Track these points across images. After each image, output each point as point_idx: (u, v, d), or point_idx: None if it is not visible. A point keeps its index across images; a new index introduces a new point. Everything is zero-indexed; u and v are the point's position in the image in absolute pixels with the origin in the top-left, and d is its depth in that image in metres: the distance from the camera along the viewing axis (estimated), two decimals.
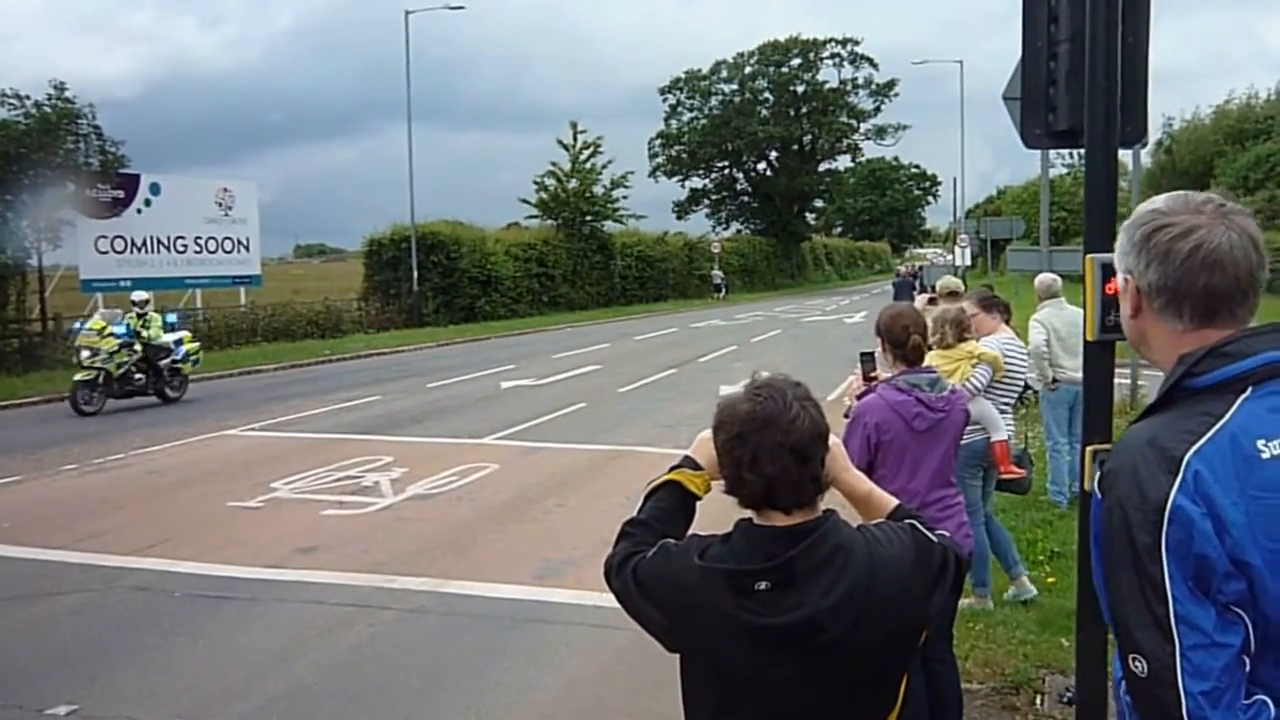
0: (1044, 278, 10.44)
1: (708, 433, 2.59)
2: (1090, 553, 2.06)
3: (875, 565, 2.29)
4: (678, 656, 2.43)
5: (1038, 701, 5.80)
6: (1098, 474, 1.98)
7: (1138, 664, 1.85)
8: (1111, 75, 3.76)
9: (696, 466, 2.62)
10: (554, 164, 53.12)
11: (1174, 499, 1.80)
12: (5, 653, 7.21)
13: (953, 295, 9.56)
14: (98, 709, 6.13)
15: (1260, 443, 1.84)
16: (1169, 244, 1.97)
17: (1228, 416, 1.86)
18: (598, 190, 53.45)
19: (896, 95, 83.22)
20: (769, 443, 2.25)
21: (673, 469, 2.65)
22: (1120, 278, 2.11)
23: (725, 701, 2.34)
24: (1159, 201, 2.07)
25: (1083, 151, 3.91)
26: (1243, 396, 1.88)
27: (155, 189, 32.29)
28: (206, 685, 6.51)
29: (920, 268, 65.72)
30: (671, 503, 2.59)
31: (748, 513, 2.40)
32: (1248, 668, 1.83)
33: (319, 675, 6.66)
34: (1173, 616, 1.80)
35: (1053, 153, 15.41)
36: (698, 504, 2.64)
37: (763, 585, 2.23)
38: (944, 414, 4.98)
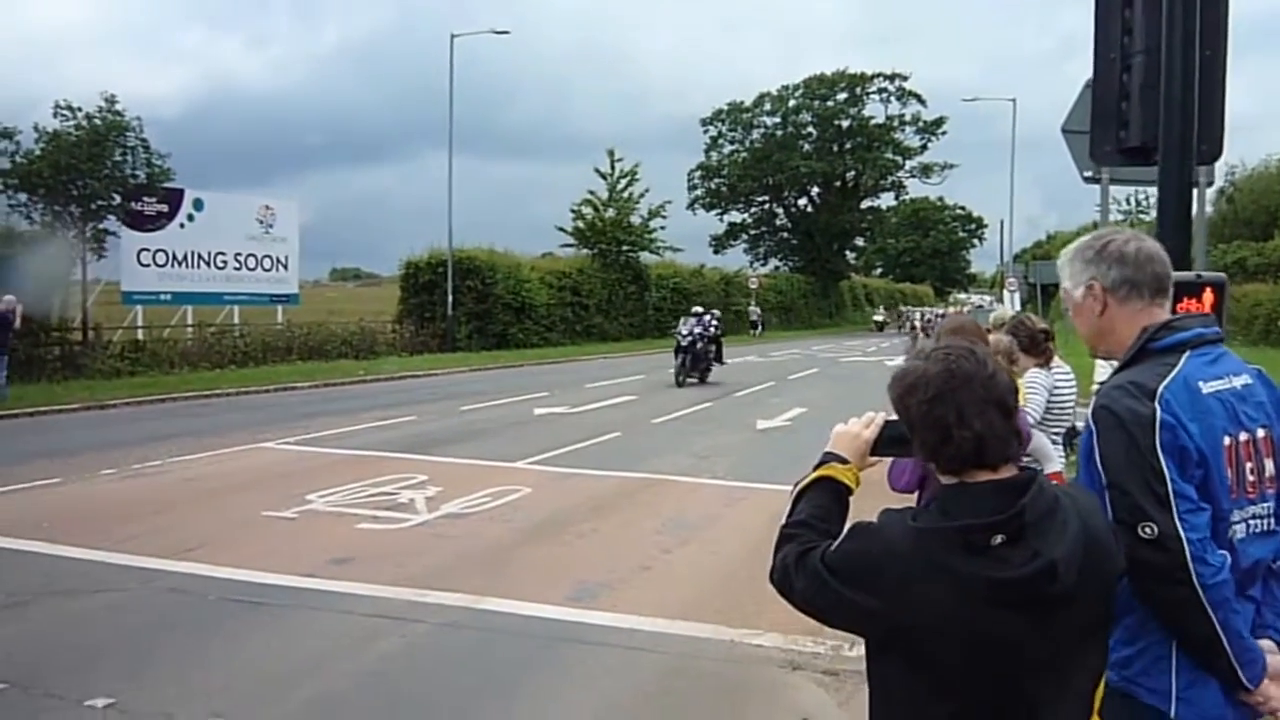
0: None
1: (844, 426, 2.61)
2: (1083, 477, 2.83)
3: (1083, 514, 2.27)
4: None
5: None
6: (1089, 410, 2.79)
7: (1147, 529, 2.61)
8: (1189, 90, 3.68)
9: (842, 461, 2.56)
10: (591, 192, 53.25)
11: (1160, 414, 2.65)
12: (46, 646, 7.23)
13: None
14: (135, 704, 6.11)
15: (1200, 383, 2.74)
16: (1120, 248, 2.89)
17: (1179, 366, 2.75)
18: (634, 220, 53.45)
19: (944, 133, 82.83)
20: (973, 398, 2.22)
21: (818, 466, 2.58)
22: (1078, 292, 2.97)
23: (950, 676, 2.22)
24: (1098, 232, 3.04)
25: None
26: (1185, 355, 2.78)
27: (199, 204, 32.67)
28: (242, 686, 6.49)
29: (962, 313, 64.16)
30: (826, 499, 2.53)
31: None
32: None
33: (354, 683, 6.62)
34: (1171, 492, 2.61)
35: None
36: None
37: (998, 539, 2.16)
38: None
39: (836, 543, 2.31)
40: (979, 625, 2.16)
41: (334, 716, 6.07)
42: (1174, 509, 2.60)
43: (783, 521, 2.52)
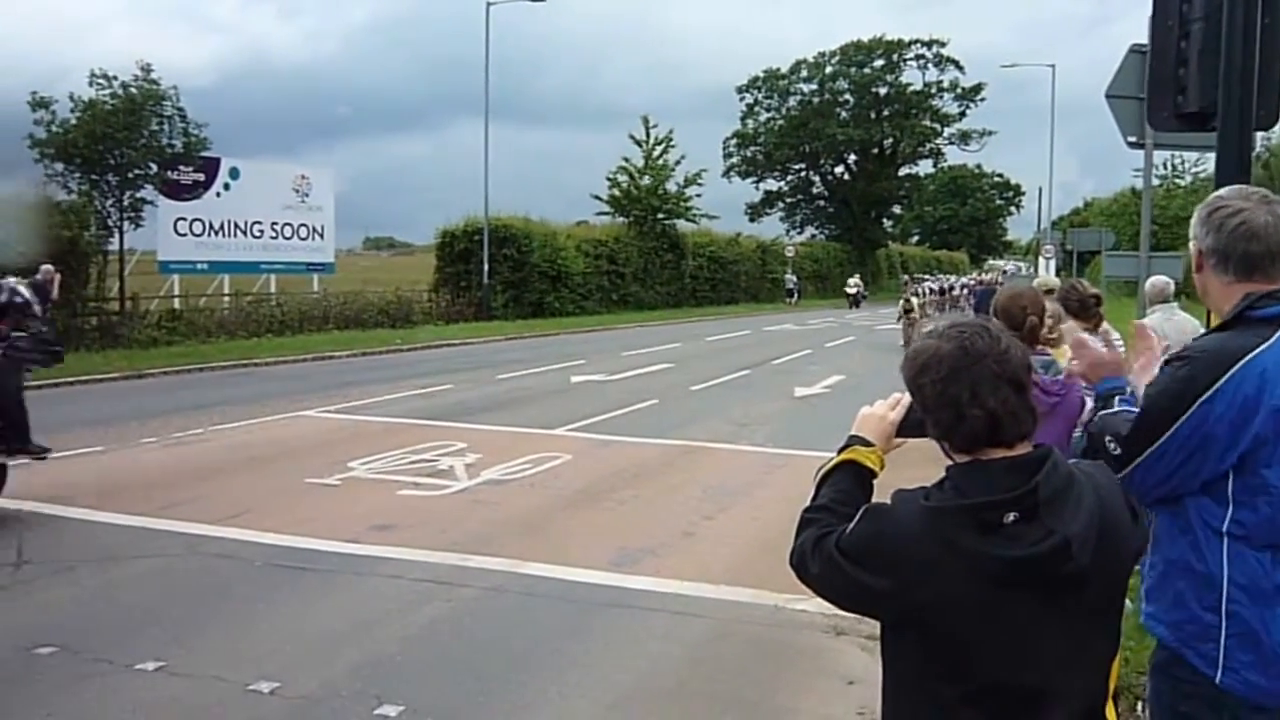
0: (1156, 280, 9.90)
1: (869, 408, 2.58)
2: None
3: (1099, 491, 2.24)
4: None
5: (1138, 708, 5.65)
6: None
7: (1113, 445, 2.80)
8: (1249, 56, 3.63)
9: (866, 444, 2.54)
10: (627, 159, 53.00)
11: (1213, 393, 2.64)
12: (94, 610, 7.34)
13: (1050, 294, 9.30)
14: (184, 667, 6.21)
15: None
16: (1222, 219, 2.83)
17: (1273, 339, 2.67)
18: (670, 187, 53.18)
19: (983, 100, 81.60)
20: (986, 375, 2.19)
21: (842, 450, 2.56)
22: (1192, 245, 2.95)
23: (961, 658, 2.21)
24: (1222, 191, 2.97)
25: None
26: None
27: (235, 173, 32.79)
28: (290, 650, 6.57)
29: (997, 279, 61.80)
30: (849, 483, 2.50)
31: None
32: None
33: (401, 646, 6.69)
34: (1157, 450, 2.70)
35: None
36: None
37: (1011, 517, 2.13)
38: (1059, 398, 4.82)
39: (850, 526, 2.30)
40: (991, 605, 2.15)
41: (382, 680, 6.12)
42: (1145, 454, 2.73)
43: (805, 505, 2.51)
